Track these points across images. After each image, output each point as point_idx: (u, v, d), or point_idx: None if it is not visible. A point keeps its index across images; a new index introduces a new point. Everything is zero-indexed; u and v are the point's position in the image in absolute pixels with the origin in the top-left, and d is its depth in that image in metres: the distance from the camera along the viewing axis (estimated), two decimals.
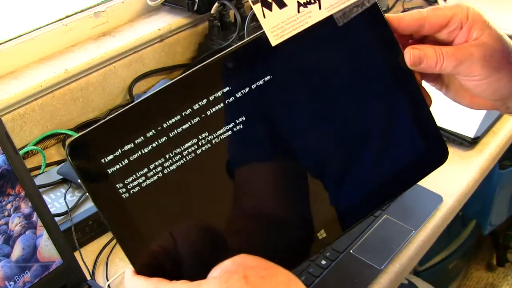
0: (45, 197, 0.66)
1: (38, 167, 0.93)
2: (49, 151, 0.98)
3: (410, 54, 0.48)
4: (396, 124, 0.50)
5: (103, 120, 0.42)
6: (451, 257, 1.45)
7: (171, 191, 0.43)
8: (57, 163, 0.95)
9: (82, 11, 1.09)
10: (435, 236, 0.83)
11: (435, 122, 0.51)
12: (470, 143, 0.95)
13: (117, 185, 0.42)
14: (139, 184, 0.42)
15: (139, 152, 0.42)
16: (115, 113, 0.42)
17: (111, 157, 0.41)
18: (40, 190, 0.67)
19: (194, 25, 1.19)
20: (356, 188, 0.49)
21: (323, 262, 0.74)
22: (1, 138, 0.62)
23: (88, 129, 0.41)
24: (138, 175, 0.42)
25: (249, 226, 0.47)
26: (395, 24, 0.48)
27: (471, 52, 0.47)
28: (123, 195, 0.42)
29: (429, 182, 0.83)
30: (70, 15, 1.07)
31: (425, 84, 0.52)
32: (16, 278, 0.62)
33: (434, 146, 0.51)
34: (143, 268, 0.42)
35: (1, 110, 0.93)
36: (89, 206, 0.82)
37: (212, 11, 1.14)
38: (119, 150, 0.42)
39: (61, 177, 0.87)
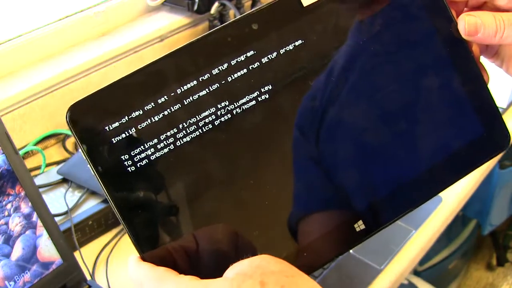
0: (45, 197, 0.66)
1: (38, 167, 0.93)
2: (49, 151, 0.98)
3: (465, 22, 0.41)
4: (449, 103, 0.43)
5: (109, 83, 0.37)
6: (451, 257, 1.45)
7: (184, 165, 0.39)
8: (57, 163, 0.95)
9: (82, 11, 1.09)
10: (435, 236, 0.83)
11: (494, 102, 0.44)
12: None
13: (122, 157, 0.37)
14: (147, 157, 0.38)
15: (149, 121, 0.37)
16: (123, 76, 0.38)
17: (116, 124, 0.37)
18: (40, 190, 0.67)
19: (194, 25, 1.19)
20: (401, 175, 0.43)
21: None
22: (1, 138, 0.62)
23: (91, 93, 0.37)
24: (146, 146, 0.37)
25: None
26: None
27: None
28: (129, 168, 0.37)
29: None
30: (70, 15, 1.07)
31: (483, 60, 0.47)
32: (16, 278, 0.62)
33: (493, 128, 0.44)
34: (149, 255, 0.38)
35: (1, 110, 0.93)
36: (89, 206, 0.82)
37: (212, 11, 1.14)
38: (126, 117, 0.37)
39: (61, 177, 0.87)
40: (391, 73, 0.42)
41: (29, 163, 0.95)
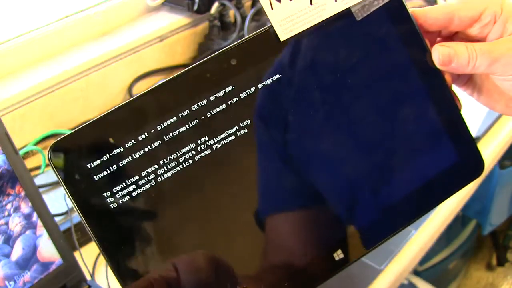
0: (45, 197, 0.66)
1: (38, 167, 0.93)
2: None
3: (439, 53, 0.42)
4: (424, 132, 0.44)
5: (90, 121, 0.38)
6: (451, 257, 1.45)
7: (165, 201, 0.39)
8: None
9: (82, 11, 1.09)
10: (435, 236, 0.83)
11: (468, 130, 0.45)
12: None
13: (104, 194, 0.38)
14: (129, 193, 0.38)
15: (130, 157, 0.38)
16: (104, 113, 0.38)
17: (98, 162, 0.38)
18: (40, 190, 0.67)
19: (194, 25, 1.19)
20: (377, 204, 0.43)
21: None
22: (1, 138, 0.62)
23: (73, 130, 0.38)
24: (128, 183, 0.38)
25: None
26: (421, 19, 0.43)
27: (507, 48, 0.42)
28: (111, 205, 0.38)
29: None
30: (70, 15, 1.07)
31: (454, 88, 0.47)
32: (16, 278, 0.62)
33: (467, 156, 0.45)
34: None
35: (1, 110, 0.93)
36: None
37: (212, 11, 1.14)
38: (107, 155, 0.38)
39: None
40: (367, 104, 0.43)
41: (29, 163, 0.95)
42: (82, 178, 0.37)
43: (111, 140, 0.38)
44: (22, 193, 0.63)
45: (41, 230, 0.64)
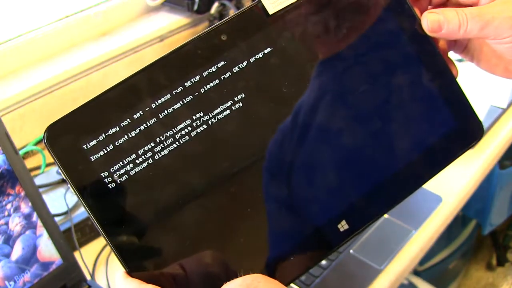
0: (45, 197, 0.66)
1: (38, 167, 0.93)
2: None
3: (428, 20, 0.43)
4: (421, 101, 0.44)
5: (84, 102, 0.38)
6: (451, 257, 1.45)
7: (164, 179, 0.39)
8: None
9: (82, 11, 1.09)
10: (435, 236, 0.83)
11: (465, 95, 0.45)
12: None
13: (102, 174, 0.37)
14: (126, 172, 0.38)
15: (126, 136, 0.38)
16: (98, 94, 0.38)
17: (94, 142, 0.37)
18: (40, 190, 0.67)
19: (194, 25, 1.19)
20: (379, 173, 0.43)
21: (323, 262, 0.74)
22: (1, 138, 0.62)
23: (68, 112, 0.37)
24: (125, 162, 0.38)
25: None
26: None
27: (498, 11, 0.42)
28: (109, 185, 0.38)
29: (429, 182, 0.83)
30: (70, 15, 1.08)
31: (454, 56, 0.48)
32: (16, 278, 0.62)
33: (466, 121, 0.45)
34: (136, 271, 0.39)
35: (1, 110, 0.93)
36: None
37: (212, 11, 1.14)
38: (103, 135, 0.37)
39: (61, 177, 0.87)
40: (362, 78, 0.43)
41: (29, 163, 0.95)
42: (78, 159, 0.37)
43: (106, 120, 0.38)
44: (22, 193, 0.63)
45: (41, 230, 0.64)
